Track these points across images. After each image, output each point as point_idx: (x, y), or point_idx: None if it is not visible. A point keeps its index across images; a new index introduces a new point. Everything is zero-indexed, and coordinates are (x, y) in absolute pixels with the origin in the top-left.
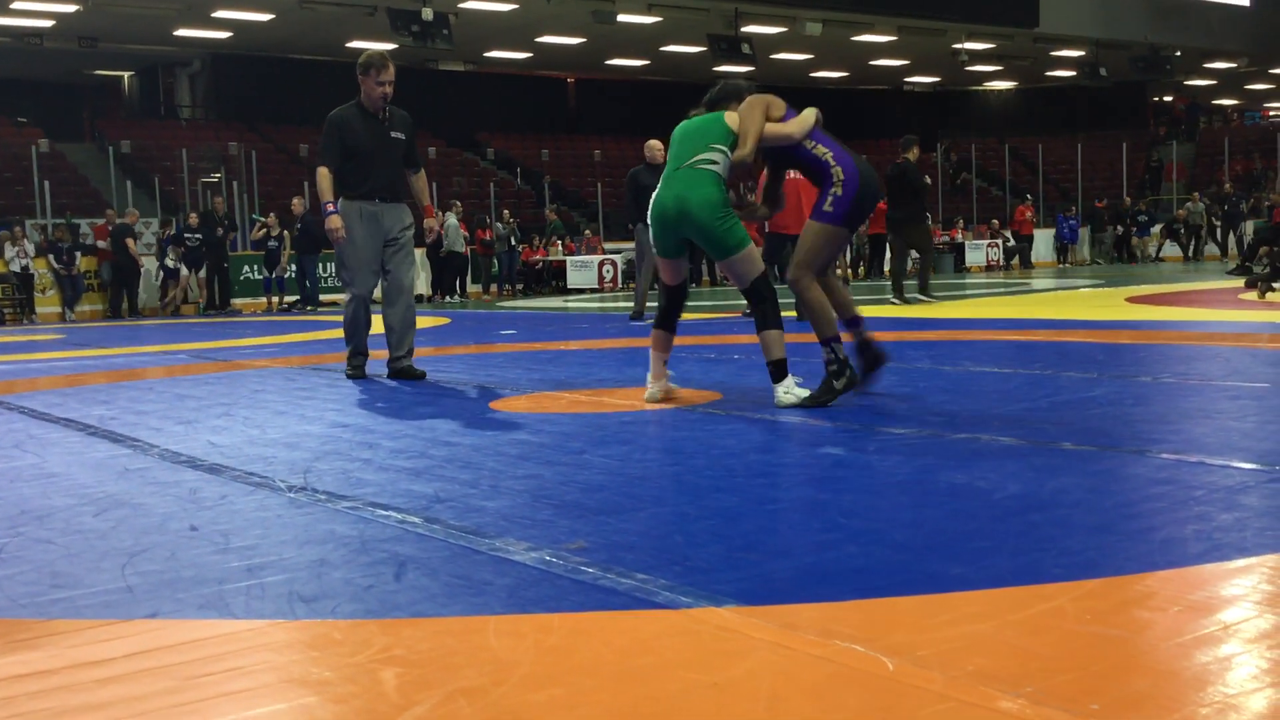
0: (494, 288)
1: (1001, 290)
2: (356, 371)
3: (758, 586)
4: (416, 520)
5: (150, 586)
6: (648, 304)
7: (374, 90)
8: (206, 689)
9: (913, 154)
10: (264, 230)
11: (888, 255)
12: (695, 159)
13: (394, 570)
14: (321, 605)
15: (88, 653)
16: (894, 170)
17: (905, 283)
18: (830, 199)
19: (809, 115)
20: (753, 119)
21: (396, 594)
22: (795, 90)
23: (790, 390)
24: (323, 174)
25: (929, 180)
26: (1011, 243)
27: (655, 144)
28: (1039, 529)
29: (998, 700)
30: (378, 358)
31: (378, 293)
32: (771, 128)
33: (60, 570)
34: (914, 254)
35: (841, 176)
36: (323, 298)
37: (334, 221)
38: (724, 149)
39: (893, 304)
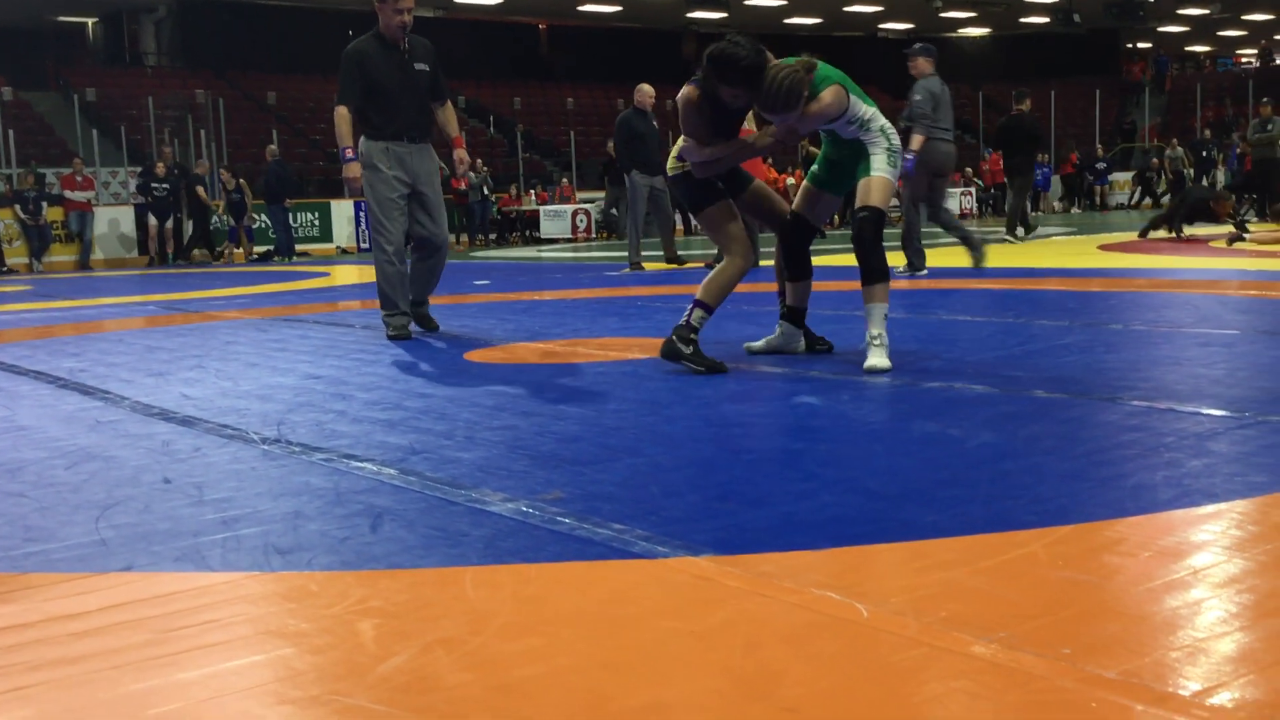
0: (465, 237)
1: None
2: (400, 332)
3: (734, 536)
4: (392, 472)
5: (124, 539)
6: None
7: (392, 19)
8: (183, 641)
9: (1025, 105)
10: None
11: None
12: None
13: (370, 522)
14: (297, 557)
15: (63, 606)
16: (1009, 121)
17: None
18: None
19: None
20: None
21: (373, 546)
22: (769, 37)
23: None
24: (342, 115)
25: (1042, 132)
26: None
27: (646, 88)
28: (1011, 476)
29: (971, 645)
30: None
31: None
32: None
33: (33, 524)
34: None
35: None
36: (296, 248)
37: (352, 170)
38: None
39: (1009, 241)
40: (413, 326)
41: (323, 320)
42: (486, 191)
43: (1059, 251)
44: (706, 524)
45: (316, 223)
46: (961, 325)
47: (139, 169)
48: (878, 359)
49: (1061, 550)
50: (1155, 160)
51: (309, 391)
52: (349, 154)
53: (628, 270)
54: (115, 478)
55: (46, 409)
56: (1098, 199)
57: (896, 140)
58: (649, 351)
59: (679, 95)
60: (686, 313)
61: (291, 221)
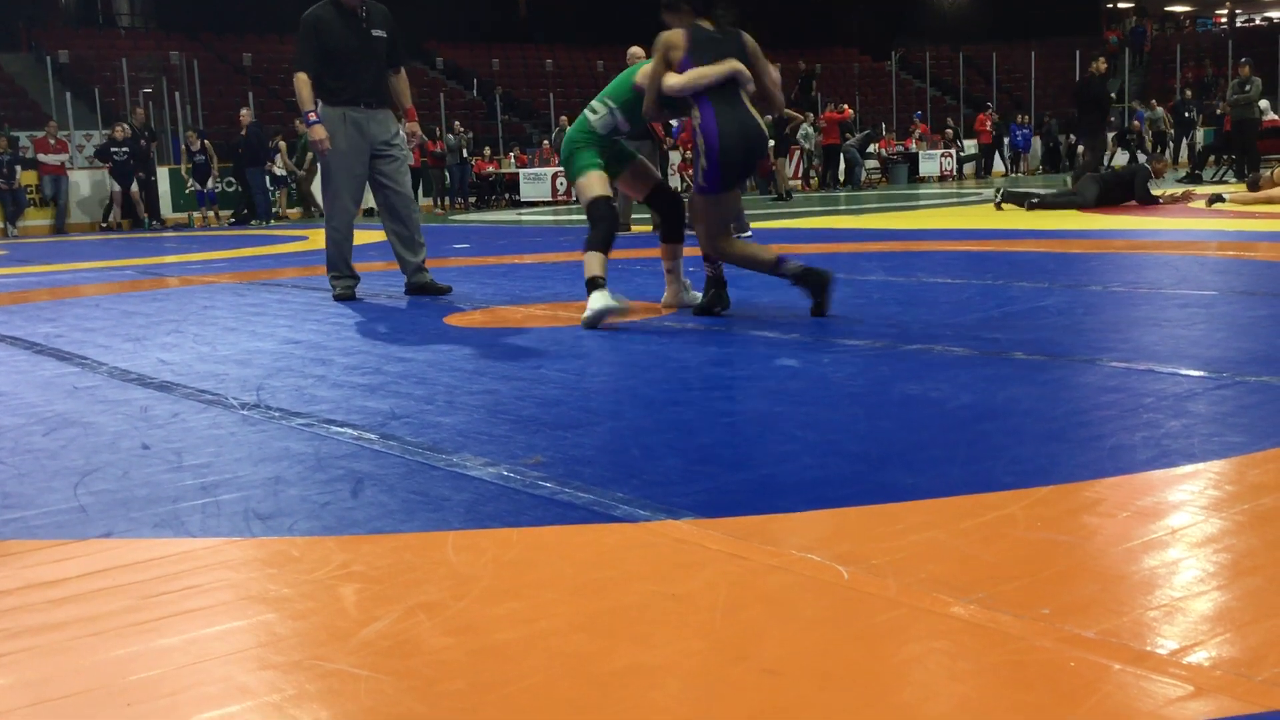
0: (445, 200)
1: (954, 200)
2: (346, 292)
3: (714, 499)
4: (372, 437)
5: (103, 506)
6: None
7: None
8: (164, 607)
9: (1096, 67)
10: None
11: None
12: (590, 103)
13: (351, 487)
14: (278, 523)
15: (42, 573)
16: (1079, 82)
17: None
18: (700, 173)
19: (697, 75)
20: (650, 80)
21: (354, 511)
22: None
23: (592, 306)
24: (301, 80)
25: (1113, 95)
26: (968, 152)
27: (637, 50)
28: (990, 438)
29: (950, 606)
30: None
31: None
32: (665, 81)
33: (11, 490)
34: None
35: (703, 147)
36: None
37: (318, 132)
38: (610, 104)
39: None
40: (409, 294)
41: (301, 284)
42: (466, 154)
43: (1037, 213)
44: (687, 487)
45: (294, 186)
46: (940, 287)
47: (108, 133)
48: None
49: (1040, 511)
50: (1135, 123)
51: (288, 356)
52: (312, 117)
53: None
54: (93, 444)
55: (23, 375)
56: (1080, 159)
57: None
58: (630, 315)
59: None
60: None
61: (268, 184)
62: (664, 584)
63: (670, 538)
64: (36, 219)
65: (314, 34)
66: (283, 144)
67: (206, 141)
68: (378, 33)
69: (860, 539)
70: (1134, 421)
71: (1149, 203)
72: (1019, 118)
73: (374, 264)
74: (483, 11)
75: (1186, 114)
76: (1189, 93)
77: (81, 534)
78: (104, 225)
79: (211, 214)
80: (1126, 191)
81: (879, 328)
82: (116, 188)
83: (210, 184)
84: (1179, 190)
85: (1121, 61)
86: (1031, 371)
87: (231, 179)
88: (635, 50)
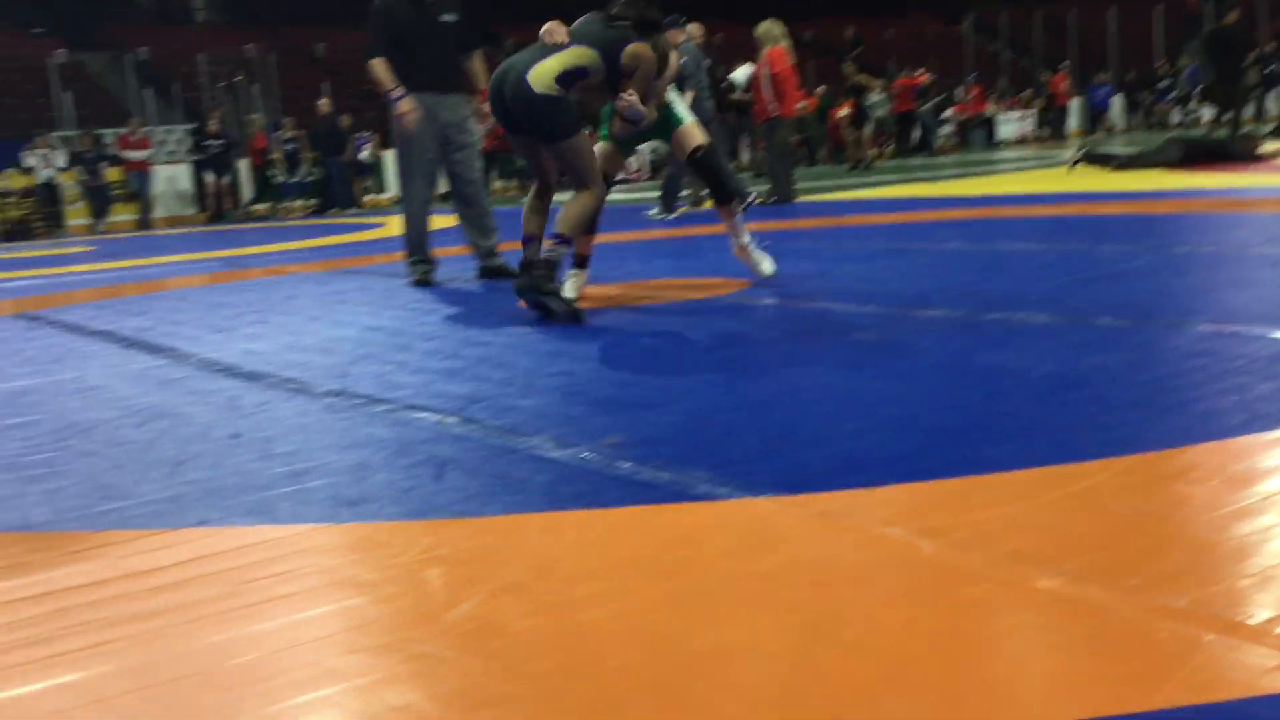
0: (520, 182)
1: (1034, 163)
2: (422, 278)
3: (794, 475)
4: (453, 421)
5: (196, 495)
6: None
7: None
8: (256, 593)
9: (1231, 18)
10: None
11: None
12: None
13: (434, 471)
14: (365, 508)
15: (139, 562)
16: (1212, 34)
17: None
18: None
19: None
20: None
21: (437, 495)
22: None
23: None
24: (377, 63)
25: (1251, 46)
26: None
27: (693, 29)
28: (1075, 407)
29: (1037, 579)
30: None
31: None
32: None
33: (107, 482)
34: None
35: None
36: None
37: (404, 105)
38: None
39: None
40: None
41: (380, 271)
42: None
43: (1120, 173)
44: (766, 464)
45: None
46: (1021, 254)
47: (193, 126)
48: (767, 264)
49: (1128, 480)
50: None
51: (370, 343)
52: (395, 94)
53: (686, 208)
54: (185, 434)
55: (115, 368)
56: (1158, 117)
57: None
58: (703, 291)
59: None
60: (544, 248)
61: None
62: (746, 562)
63: (750, 515)
64: (122, 214)
65: (382, 20)
66: (375, 136)
67: (301, 130)
68: (447, 17)
69: (943, 513)
70: (1223, 386)
71: (1252, 159)
72: (1098, 77)
73: (451, 248)
74: None
75: (1266, 70)
76: (1268, 47)
77: (176, 523)
78: (253, 211)
79: (299, 204)
80: (1212, 156)
81: (958, 297)
82: (211, 178)
83: (303, 172)
84: (1272, 147)
85: (1209, 14)
86: (1116, 337)
87: (312, 170)
88: (692, 28)
